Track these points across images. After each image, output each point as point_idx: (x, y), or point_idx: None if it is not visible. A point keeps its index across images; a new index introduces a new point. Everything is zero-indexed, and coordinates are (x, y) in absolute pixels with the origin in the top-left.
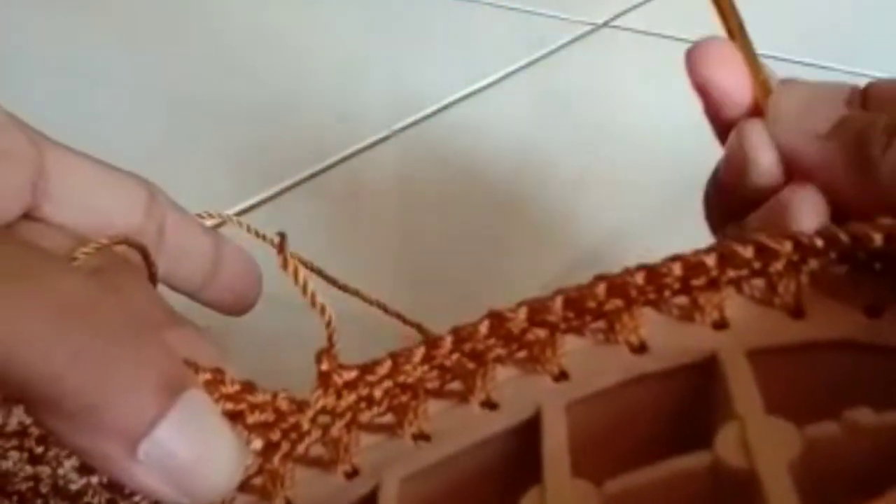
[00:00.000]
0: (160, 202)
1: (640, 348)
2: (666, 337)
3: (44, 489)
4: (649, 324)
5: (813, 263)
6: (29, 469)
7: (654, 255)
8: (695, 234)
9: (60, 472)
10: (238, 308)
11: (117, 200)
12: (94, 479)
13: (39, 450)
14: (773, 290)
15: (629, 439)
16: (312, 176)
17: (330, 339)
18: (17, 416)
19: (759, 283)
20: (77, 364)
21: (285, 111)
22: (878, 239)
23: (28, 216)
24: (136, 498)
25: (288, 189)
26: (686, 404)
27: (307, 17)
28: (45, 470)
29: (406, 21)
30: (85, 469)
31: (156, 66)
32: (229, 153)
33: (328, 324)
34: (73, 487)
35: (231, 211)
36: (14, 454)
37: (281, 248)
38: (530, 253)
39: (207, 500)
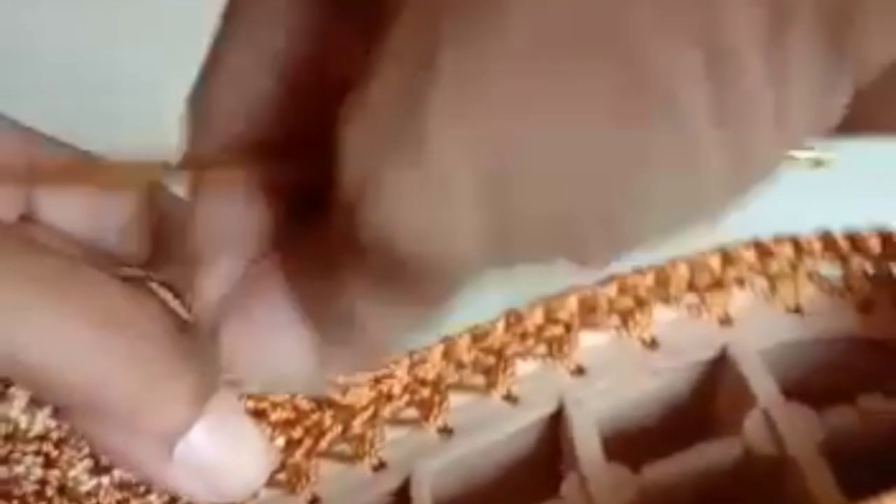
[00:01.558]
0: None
1: (652, 344)
2: (675, 333)
3: (49, 492)
4: (659, 321)
5: (810, 264)
6: (39, 472)
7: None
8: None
9: (72, 473)
10: None
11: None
12: (106, 480)
13: (55, 453)
14: (774, 289)
15: (646, 429)
16: None
17: None
18: (42, 421)
19: (761, 282)
20: (120, 371)
21: None
22: (875, 245)
23: (25, 218)
24: (151, 497)
25: None
26: (698, 395)
27: None
28: (54, 473)
29: None
30: (96, 470)
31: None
32: None
33: None
34: (83, 489)
35: None
36: (29, 458)
37: None
38: None
39: (237, 498)
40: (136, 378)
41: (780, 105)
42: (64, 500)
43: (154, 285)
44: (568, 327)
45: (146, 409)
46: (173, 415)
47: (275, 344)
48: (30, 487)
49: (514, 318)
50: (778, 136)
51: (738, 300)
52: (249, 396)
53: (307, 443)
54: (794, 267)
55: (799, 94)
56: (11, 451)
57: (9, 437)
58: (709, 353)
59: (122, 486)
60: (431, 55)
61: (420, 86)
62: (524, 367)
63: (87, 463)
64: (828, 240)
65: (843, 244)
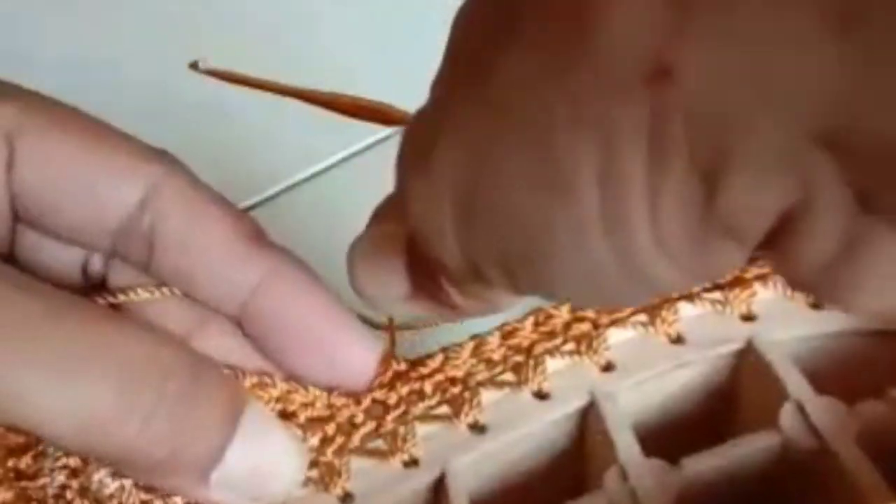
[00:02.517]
0: (164, 190)
1: (678, 339)
2: (701, 328)
3: (69, 495)
4: (685, 317)
5: None
6: (61, 479)
7: None
8: None
9: (95, 477)
10: None
11: (95, 208)
12: (128, 483)
13: (80, 466)
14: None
15: (675, 422)
16: (303, 181)
17: (392, 340)
18: None
19: (781, 279)
20: (148, 429)
21: (275, 115)
22: None
23: (22, 221)
24: (175, 499)
25: (276, 196)
26: (726, 388)
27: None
28: (75, 481)
29: (398, 28)
30: (119, 473)
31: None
32: (220, 157)
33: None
34: (107, 491)
35: None
36: (56, 474)
37: None
38: None
39: (276, 500)
40: (163, 431)
41: (655, 224)
42: (85, 502)
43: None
44: (595, 325)
45: (176, 454)
46: (204, 447)
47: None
48: (51, 491)
49: (542, 317)
50: (656, 252)
51: (761, 296)
52: (277, 399)
53: (339, 440)
54: None
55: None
56: (40, 469)
57: (37, 456)
58: (734, 346)
59: (146, 488)
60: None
61: (437, 119)
62: (553, 364)
63: (110, 468)
64: None
65: None
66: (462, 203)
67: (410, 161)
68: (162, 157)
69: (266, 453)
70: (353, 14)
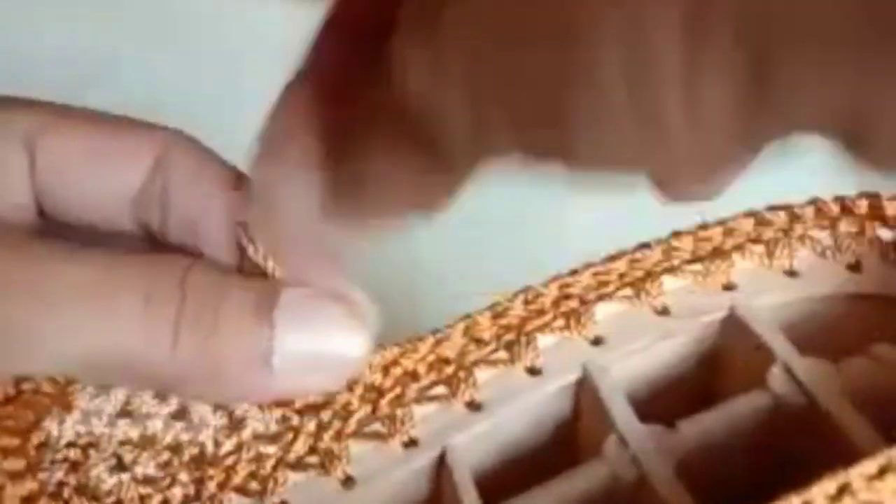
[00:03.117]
0: (169, 160)
1: (664, 311)
2: (685, 299)
3: (66, 493)
4: (669, 290)
5: (799, 229)
6: (60, 475)
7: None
8: None
9: (92, 473)
10: None
11: (113, 178)
12: (126, 476)
13: (81, 458)
14: (770, 254)
15: (667, 390)
16: None
17: None
18: (72, 427)
19: (758, 248)
20: (177, 347)
21: None
22: (863, 206)
23: (47, 215)
24: (175, 490)
25: None
26: (713, 355)
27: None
28: (74, 475)
29: None
30: (118, 467)
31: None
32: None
33: None
34: (104, 487)
35: None
36: (56, 466)
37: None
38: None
39: (356, 366)
40: (207, 358)
41: (691, 102)
42: (83, 499)
43: None
44: (583, 301)
45: (224, 364)
46: (249, 348)
47: (294, 184)
48: (49, 489)
49: (531, 296)
50: (690, 125)
51: (739, 266)
52: None
53: (336, 425)
54: (786, 232)
55: (712, 101)
56: (40, 461)
57: (41, 446)
58: (718, 315)
59: (145, 481)
60: None
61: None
62: (544, 341)
63: (110, 462)
64: (820, 207)
65: (833, 208)
66: (476, 71)
67: (410, 30)
68: (164, 127)
69: (319, 326)
70: None
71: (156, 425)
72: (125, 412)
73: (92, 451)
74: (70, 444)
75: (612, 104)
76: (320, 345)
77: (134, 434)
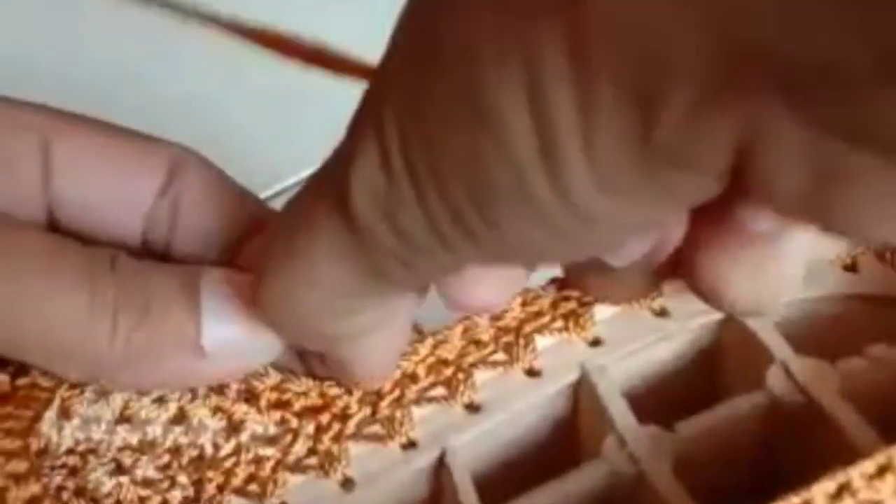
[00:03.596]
0: (181, 178)
1: (662, 313)
2: (682, 302)
3: (65, 496)
4: (666, 292)
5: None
6: (59, 480)
7: None
8: None
9: (92, 477)
10: None
11: (128, 189)
12: (126, 479)
13: (80, 464)
14: None
15: (665, 391)
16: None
17: None
18: (70, 434)
19: None
20: (130, 343)
21: (275, 114)
22: None
23: (59, 226)
24: (175, 492)
25: (276, 196)
26: (710, 356)
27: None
28: (71, 481)
29: None
30: (117, 471)
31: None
32: (221, 156)
33: None
34: (104, 490)
35: None
36: (55, 472)
37: None
38: None
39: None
40: (144, 346)
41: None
42: (82, 502)
43: None
44: (581, 303)
45: (156, 345)
46: (181, 326)
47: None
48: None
49: (529, 297)
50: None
51: None
52: (272, 388)
53: (335, 427)
54: None
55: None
56: (41, 468)
57: (40, 453)
58: (716, 317)
59: (144, 483)
60: None
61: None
62: (543, 342)
63: (109, 466)
64: None
65: None
66: (412, 159)
67: (365, 121)
68: (173, 143)
69: (241, 316)
70: None
71: (155, 430)
72: (124, 417)
73: (91, 457)
74: (69, 451)
75: (520, 156)
76: (248, 325)
77: (133, 439)
